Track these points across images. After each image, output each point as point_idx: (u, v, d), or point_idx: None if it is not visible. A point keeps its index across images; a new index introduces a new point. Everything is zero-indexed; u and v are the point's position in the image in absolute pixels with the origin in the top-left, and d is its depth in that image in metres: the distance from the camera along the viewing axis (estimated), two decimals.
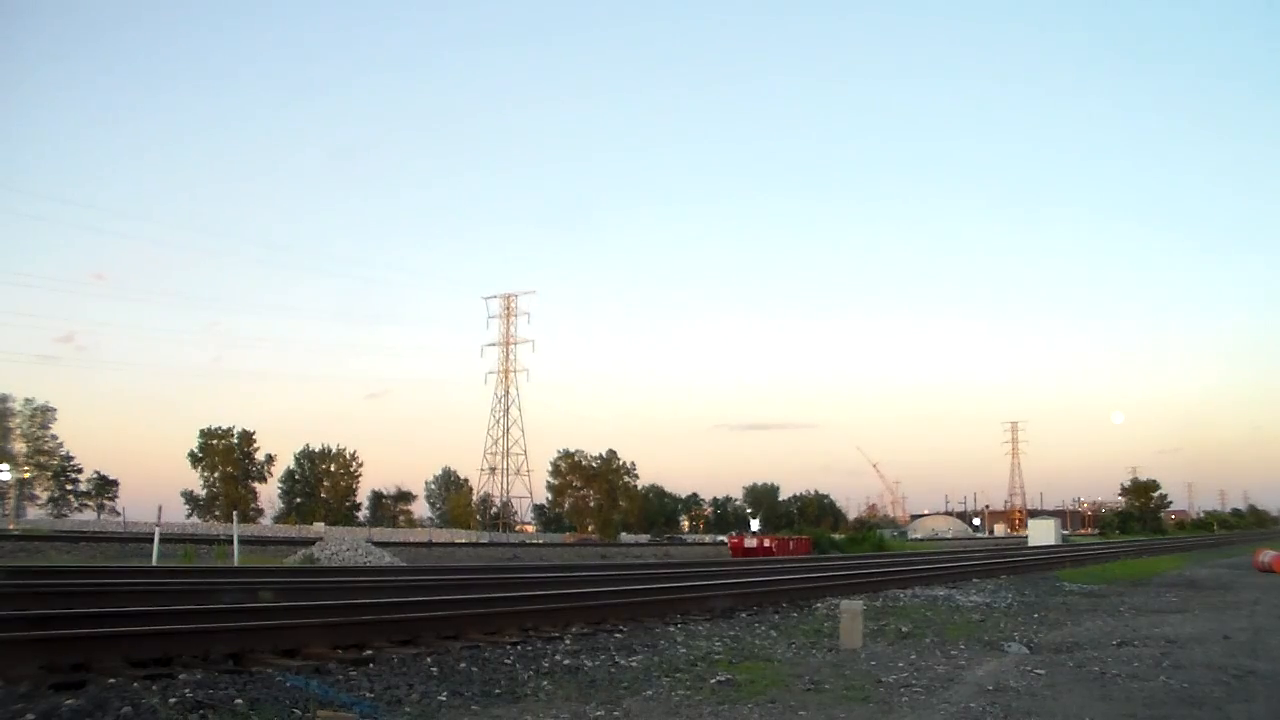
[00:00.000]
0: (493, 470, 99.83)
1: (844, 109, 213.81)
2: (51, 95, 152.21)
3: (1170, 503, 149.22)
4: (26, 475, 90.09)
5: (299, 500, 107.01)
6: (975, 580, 23.34)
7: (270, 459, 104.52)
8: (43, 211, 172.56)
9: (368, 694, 7.19)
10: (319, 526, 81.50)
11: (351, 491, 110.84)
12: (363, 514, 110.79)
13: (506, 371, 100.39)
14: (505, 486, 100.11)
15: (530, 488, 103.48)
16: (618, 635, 11.01)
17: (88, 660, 7.46)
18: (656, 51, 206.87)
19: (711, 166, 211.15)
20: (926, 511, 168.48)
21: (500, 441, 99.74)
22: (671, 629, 11.76)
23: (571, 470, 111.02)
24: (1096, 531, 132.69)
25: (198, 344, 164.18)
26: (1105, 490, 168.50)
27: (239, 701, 6.61)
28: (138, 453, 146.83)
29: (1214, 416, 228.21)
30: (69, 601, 11.00)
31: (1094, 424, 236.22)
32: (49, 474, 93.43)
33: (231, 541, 26.68)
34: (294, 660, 8.34)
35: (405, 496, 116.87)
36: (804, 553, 45.61)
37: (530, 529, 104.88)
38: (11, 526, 61.90)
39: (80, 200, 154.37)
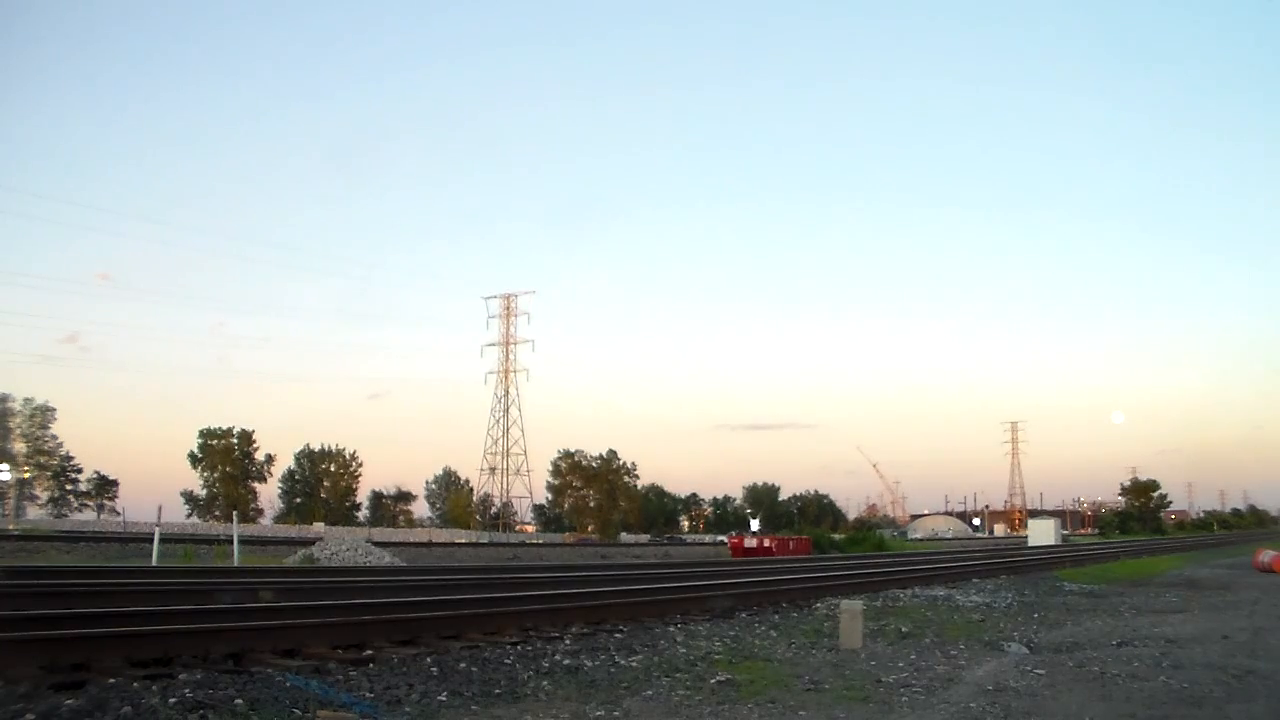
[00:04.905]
0: (493, 470, 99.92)
1: (844, 109, 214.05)
2: (53, 95, 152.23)
3: (1170, 503, 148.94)
4: (26, 475, 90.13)
5: (299, 500, 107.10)
6: (975, 580, 23.34)
7: (270, 459, 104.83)
8: (47, 212, 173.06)
9: (368, 694, 7.19)
10: (319, 526, 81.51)
11: (351, 491, 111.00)
12: (363, 514, 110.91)
13: (506, 371, 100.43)
14: (505, 486, 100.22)
15: (530, 488, 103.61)
16: (618, 635, 11.01)
17: (88, 660, 7.45)
18: (656, 52, 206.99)
19: (711, 167, 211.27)
20: (926, 511, 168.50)
21: (500, 441, 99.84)
22: (671, 629, 11.75)
23: (571, 470, 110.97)
24: (1096, 531, 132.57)
25: (200, 344, 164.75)
26: (1105, 490, 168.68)
27: (239, 701, 6.60)
28: (138, 453, 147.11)
29: (1214, 416, 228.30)
30: (69, 601, 10.99)
31: (1094, 424, 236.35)
32: (49, 474, 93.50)
33: (231, 541, 26.67)
34: (294, 660, 8.34)
35: (405, 496, 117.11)
36: (804, 553, 45.58)
37: (530, 529, 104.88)
38: (11, 526, 61.85)
39: (84, 201, 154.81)
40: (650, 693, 7.71)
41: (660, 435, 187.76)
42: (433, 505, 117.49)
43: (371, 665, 8.40)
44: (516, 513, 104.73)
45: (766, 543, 48.48)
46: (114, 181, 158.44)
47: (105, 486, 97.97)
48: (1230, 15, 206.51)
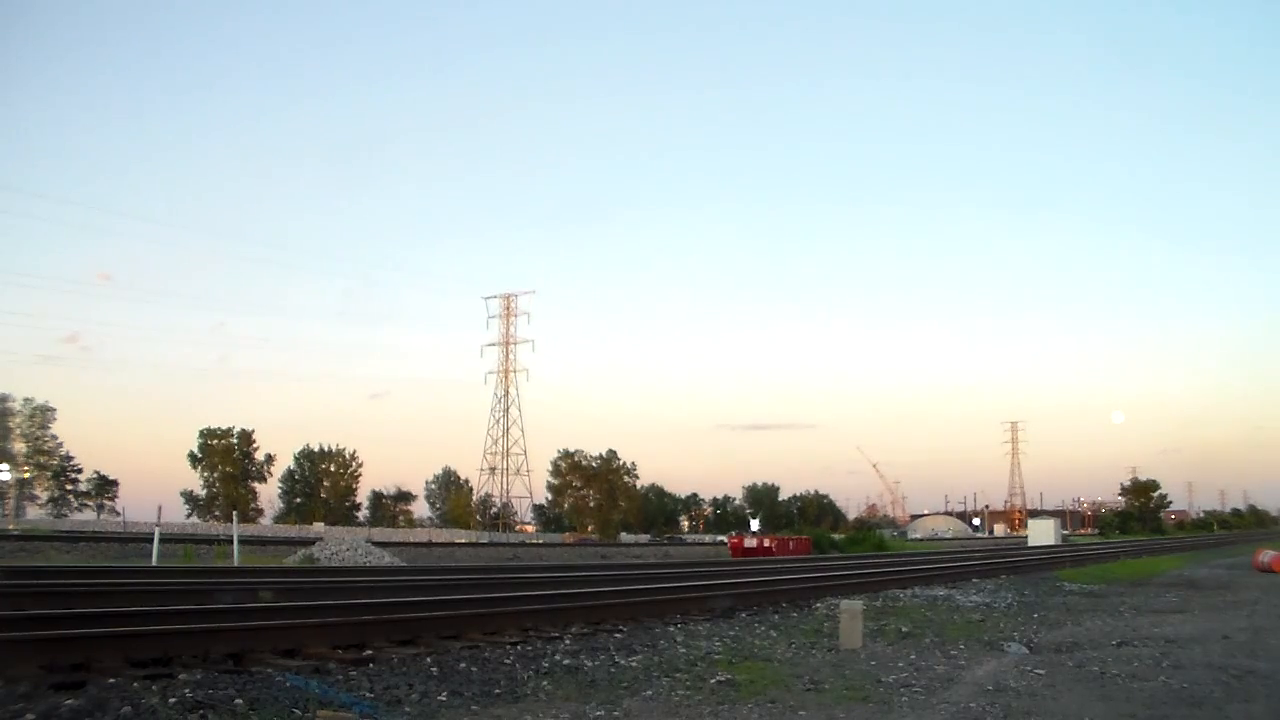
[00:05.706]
0: (493, 470, 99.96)
1: (844, 110, 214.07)
2: (53, 95, 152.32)
3: (1170, 503, 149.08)
4: (26, 475, 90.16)
5: (299, 500, 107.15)
6: (975, 580, 23.33)
7: (270, 459, 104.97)
8: (48, 212, 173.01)
9: (368, 694, 7.19)
10: (319, 526, 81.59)
11: (351, 491, 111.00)
12: (363, 514, 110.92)
13: (506, 371, 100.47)
14: (505, 486, 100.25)
15: (530, 488, 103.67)
16: (618, 635, 11.01)
17: (88, 660, 7.45)
18: (658, 52, 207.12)
19: (712, 167, 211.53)
20: (926, 511, 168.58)
21: (500, 441, 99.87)
22: (671, 629, 11.75)
23: (571, 470, 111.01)
24: (1096, 531, 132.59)
25: (201, 344, 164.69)
26: (1105, 490, 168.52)
27: (239, 701, 6.60)
28: (138, 453, 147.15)
29: (1214, 416, 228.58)
30: (69, 601, 11.00)
31: (1094, 424, 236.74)
32: (49, 474, 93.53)
33: (231, 541, 26.69)
34: (294, 660, 8.34)
35: (405, 496, 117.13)
36: (804, 553, 45.59)
37: (530, 529, 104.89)
38: (11, 526, 61.88)
39: (85, 201, 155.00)
40: (650, 693, 7.71)
41: (660, 435, 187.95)
42: (433, 505, 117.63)
43: (371, 665, 8.40)
44: (516, 513, 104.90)
45: (766, 543, 48.47)
46: (114, 181, 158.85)
47: (105, 486, 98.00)
48: (1230, 15, 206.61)
